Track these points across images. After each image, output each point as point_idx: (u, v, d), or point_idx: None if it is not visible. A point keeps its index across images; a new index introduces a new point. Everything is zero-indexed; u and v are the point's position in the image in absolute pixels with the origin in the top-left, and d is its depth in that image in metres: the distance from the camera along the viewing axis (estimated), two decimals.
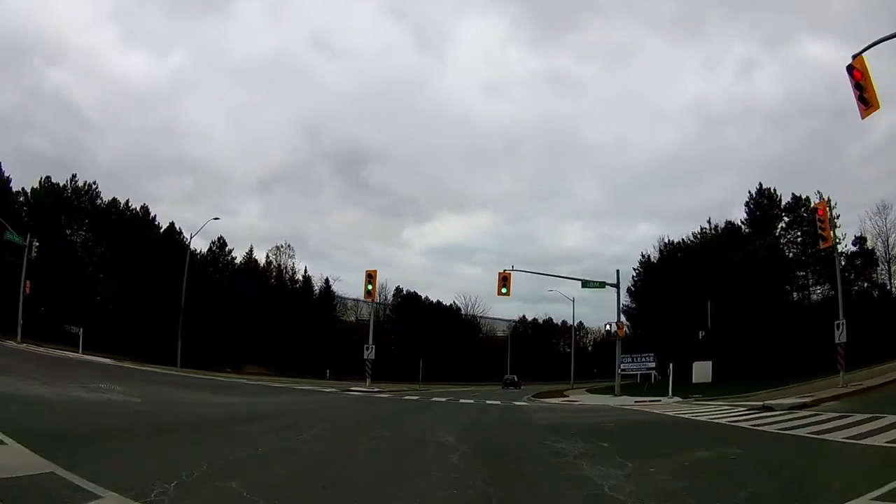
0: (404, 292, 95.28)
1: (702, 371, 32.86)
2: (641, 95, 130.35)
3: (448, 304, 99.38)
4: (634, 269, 60.40)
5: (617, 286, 32.86)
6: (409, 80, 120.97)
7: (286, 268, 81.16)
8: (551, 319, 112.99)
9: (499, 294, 30.69)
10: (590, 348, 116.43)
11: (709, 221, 52.91)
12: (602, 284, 32.67)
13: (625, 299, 62.93)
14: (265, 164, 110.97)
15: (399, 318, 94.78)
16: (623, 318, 32.11)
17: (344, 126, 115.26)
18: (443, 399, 26.36)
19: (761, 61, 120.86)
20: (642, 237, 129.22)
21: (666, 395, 27.61)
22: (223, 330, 62.60)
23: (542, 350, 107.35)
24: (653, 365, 38.00)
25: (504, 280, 30.90)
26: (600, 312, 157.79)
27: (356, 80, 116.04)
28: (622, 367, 36.99)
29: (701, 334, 37.22)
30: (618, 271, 34.83)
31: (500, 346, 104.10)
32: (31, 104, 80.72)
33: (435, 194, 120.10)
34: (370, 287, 32.58)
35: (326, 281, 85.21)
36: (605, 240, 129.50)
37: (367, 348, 32.29)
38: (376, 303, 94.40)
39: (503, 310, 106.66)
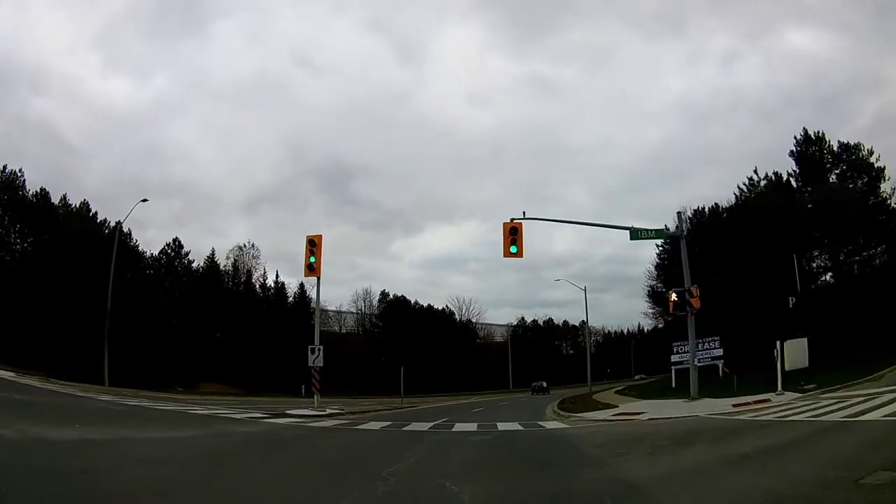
0: (391, 297, 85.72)
1: (796, 352, 23.67)
2: (625, 95, 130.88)
3: (440, 308, 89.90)
4: (659, 246, 51.44)
5: (680, 234, 23.35)
6: (391, 93, 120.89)
7: (252, 272, 71.02)
8: (552, 320, 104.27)
9: (506, 255, 21.10)
10: (593, 349, 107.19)
11: (755, 172, 44.49)
12: (659, 234, 23.09)
13: (653, 279, 54.40)
14: (252, 184, 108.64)
15: (386, 327, 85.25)
16: (672, 294, 22.39)
17: (328, 142, 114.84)
18: (425, 426, 16.69)
19: (743, 54, 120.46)
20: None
21: (772, 389, 18.47)
22: (175, 342, 52.61)
23: (545, 353, 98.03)
24: (719, 353, 29.13)
25: (513, 235, 21.40)
26: (597, 312, 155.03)
27: (339, 96, 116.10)
28: (679, 358, 28.12)
29: (791, 301, 28.31)
30: (679, 213, 25.21)
31: (499, 351, 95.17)
32: (16, 132, 76.99)
33: (423, 206, 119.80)
34: (313, 259, 22.90)
35: (301, 287, 75.36)
36: (595, 242, 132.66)
37: (313, 351, 23.05)
38: (362, 313, 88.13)
39: (497, 316, 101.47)
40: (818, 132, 40.58)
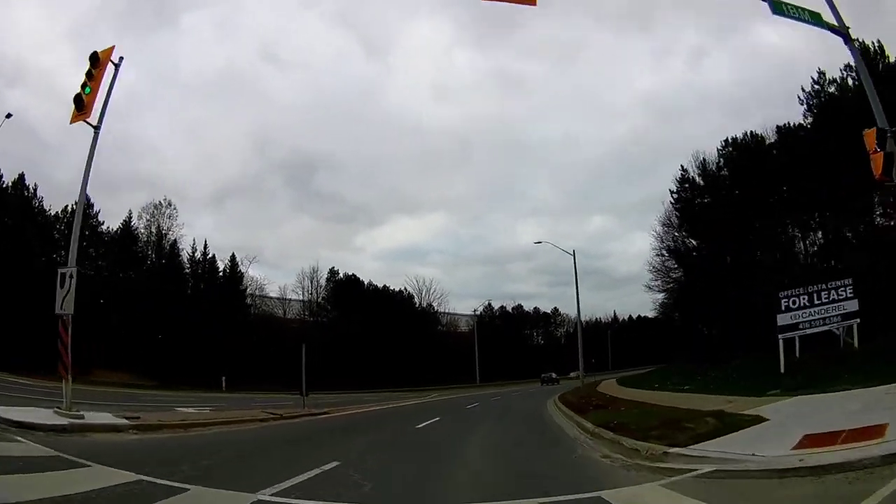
0: (340, 276, 75.83)
1: None
2: (591, 91, 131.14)
3: (397, 290, 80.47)
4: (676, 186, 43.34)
5: (844, 29, 13.11)
6: (357, 88, 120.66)
7: (166, 234, 59.93)
8: (521, 306, 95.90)
9: None
10: (563, 340, 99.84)
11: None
12: (815, 18, 12.74)
13: (662, 239, 46.21)
14: (218, 178, 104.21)
15: (335, 311, 75.50)
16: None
17: (294, 136, 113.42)
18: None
19: (712, 50, 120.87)
20: (597, 231, 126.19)
21: None
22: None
23: (515, 342, 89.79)
24: (853, 307, 18.00)
25: None
26: (564, 304, 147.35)
27: (305, 90, 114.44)
28: (792, 320, 17.90)
29: None
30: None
31: (464, 341, 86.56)
32: None
33: (387, 199, 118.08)
34: (88, 90, 11.81)
35: (233, 259, 64.86)
36: (560, 236, 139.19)
37: (62, 282, 11.76)
38: (311, 300, 78.59)
39: (462, 309, 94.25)
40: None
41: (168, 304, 53.83)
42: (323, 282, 75.51)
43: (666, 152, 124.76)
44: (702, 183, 40.99)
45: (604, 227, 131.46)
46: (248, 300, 67.51)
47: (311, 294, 75.78)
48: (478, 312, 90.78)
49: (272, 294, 73.05)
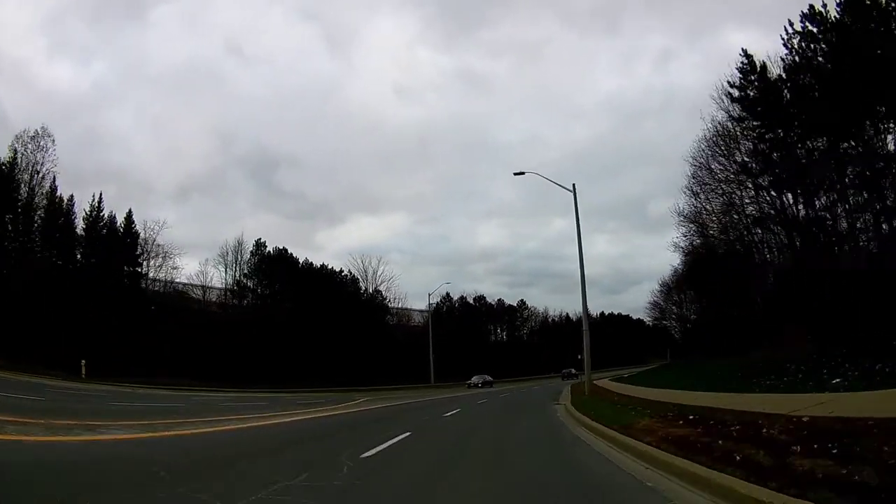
0: (268, 250, 62.47)
1: None
2: (555, 92, 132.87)
3: (338, 270, 67.47)
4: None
5: None
6: (320, 84, 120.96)
7: (38, 171, 45.60)
8: (484, 298, 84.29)
9: None
10: (535, 338, 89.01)
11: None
12: None
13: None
14: (182, 172, 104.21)
15: (263, 293, 62.22)
16: None
17: (257, 132, 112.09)
18: None
19: (680, 53, 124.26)
20: (557, 233, 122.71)
21: None
22: None
23: (477, 337, 78.16)
24: None
25: None
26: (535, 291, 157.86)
27: (268, 86, 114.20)
28: None
29: None
30: None
31: (417, 336, 74.50)
32: None
33: (348, 197, 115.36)
34: None
35: (129, 217, 50.90)
36: (521, 237, 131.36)
37: None
38: (236, 280, 64.52)
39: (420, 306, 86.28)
40: None
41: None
42: (248, 256, 61.77)
43: (628, 155, 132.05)
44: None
45: (564, 229, 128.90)
46: (146, 268, 53.62)
47: (235, 272, 62.15)
48: (433, 303, 78.93)
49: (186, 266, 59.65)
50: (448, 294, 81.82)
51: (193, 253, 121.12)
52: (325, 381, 52.06)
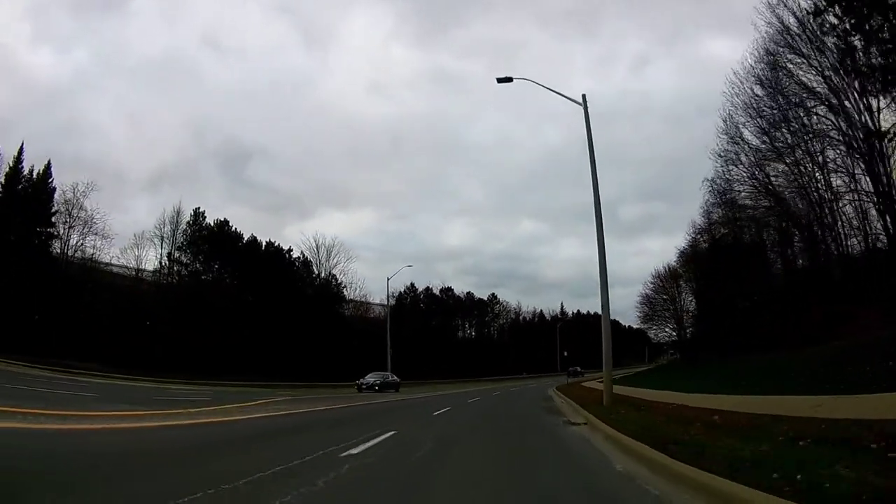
0: (208, 222, 54.01)
1: None
2: (529, 93, 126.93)
3: (286, 249, 59.13)
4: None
5: None
6: (294, 79, 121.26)
7: None
8: (451, 290, 77.09)
9: None
10: (505, 336, 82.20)
11: None
12: None
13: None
14: (156, 162, 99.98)
15: (200, 268, 53.72)
16: None
17: (231, 124, 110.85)
18: None
19: (657, 58, 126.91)
20: (526, 234, 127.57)
21: None
22: None
23: (441, 335, 70.85)
24: None
25: None
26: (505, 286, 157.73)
27: (243, 79, 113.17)
28: None
29: None
30: None
31: (376, 330, 66.64)
32: None
33: (318, 192, 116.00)
34: None
35: (47, 169, 42.21)
36: (488, 237, 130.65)
37: None
38: (171, 255, 55.09)
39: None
40: None
41: None
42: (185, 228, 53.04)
43: (598, 159, 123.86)
44: None
45: (534, 231, 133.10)
46: (65, 234, 45.07)
47: (171, 248, 53.36)
48: (395, 292, 71.26)
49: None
50: (413, 285, 74.47)
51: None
52: (267, 374, 44.77)
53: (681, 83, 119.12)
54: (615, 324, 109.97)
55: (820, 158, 27.90)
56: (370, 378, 40.47)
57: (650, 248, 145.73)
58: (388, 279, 56.51)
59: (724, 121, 33.81)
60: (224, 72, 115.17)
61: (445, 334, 73.07)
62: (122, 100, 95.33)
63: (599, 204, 16.92)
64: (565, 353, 49.28)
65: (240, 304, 53.53)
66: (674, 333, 61.24)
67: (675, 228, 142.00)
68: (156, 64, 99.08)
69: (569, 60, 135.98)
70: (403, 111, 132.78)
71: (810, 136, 27.59)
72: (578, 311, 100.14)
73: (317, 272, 60.54)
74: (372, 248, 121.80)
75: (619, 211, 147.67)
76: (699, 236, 46.86)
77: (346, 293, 62.74)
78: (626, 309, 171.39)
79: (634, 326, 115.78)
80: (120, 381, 30.56)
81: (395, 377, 44.87)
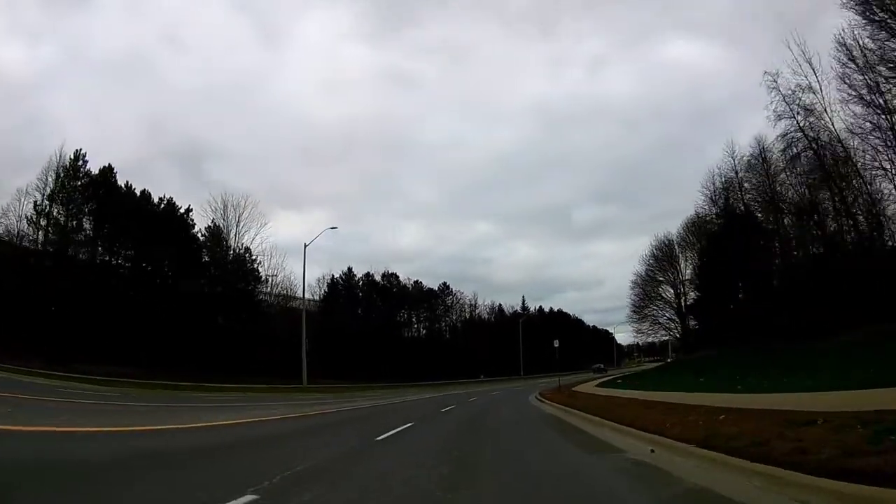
0: (89, 168, 40.58)
1: None
2: (481, 94, 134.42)
3: (182, 208, 45.53)
4: None
5: None
6: (251, 76, 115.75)
7: None
8: (396, 276, 65.11)
9: None
10: (447, 335, 70.92)
11: None
12: None
13: None
14: (113, 159, 69.14)
15: (73, 224, 40.17)
16: None
17: (187, 122, 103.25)
18: None
19: (614, 61, 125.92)
20: (478, 236, 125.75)
21: None
22: None
23: (383, 329, 58.81)
24: None
25: None
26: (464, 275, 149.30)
27: (199, 76, 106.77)
28: None
29: None
30: None
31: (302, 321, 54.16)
32: None
33: (271, 192, 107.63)
34: None
35: None
36: (440, 239, 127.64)
37: None
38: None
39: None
40: None
41: None
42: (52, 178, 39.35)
43: (551, 161, 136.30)
44: None
45: (486, 233, 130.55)
46: None
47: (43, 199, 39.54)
48: (327, 276, 58.59)
49: None
50: (350, 270, 61.80)
51: None
52: (172, 368, 33.92)
53: (637, 86, 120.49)
54: (578, 323, 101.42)
55: None
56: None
57: (603, 251, 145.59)
58: (305, 245, 43.64)
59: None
60: (182, 68, 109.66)
61: (389, 330, 60.87)
62: (85, 96, 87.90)
63: None
64: (556, 343, 38.09)
65: (117, 272, 40.20)
66: (672, 323, 51.62)
67: (629, 232, 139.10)
68: (117, 58, 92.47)
69: (524, 61, 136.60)
70: (356, 111, 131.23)
71: None
72: (541, 307, 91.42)
73: (228, 244, 47.08)
74: (323, 250, 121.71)
75: (572, 214, 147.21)
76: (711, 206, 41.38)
77: (261, 272, 49.12)
78: (583, 311, 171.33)
79: (600, 326, 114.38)
80: None
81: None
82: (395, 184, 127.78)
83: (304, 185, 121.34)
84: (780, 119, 30.40)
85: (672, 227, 67.09)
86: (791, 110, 29.95)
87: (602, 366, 71.21)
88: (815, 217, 31.23)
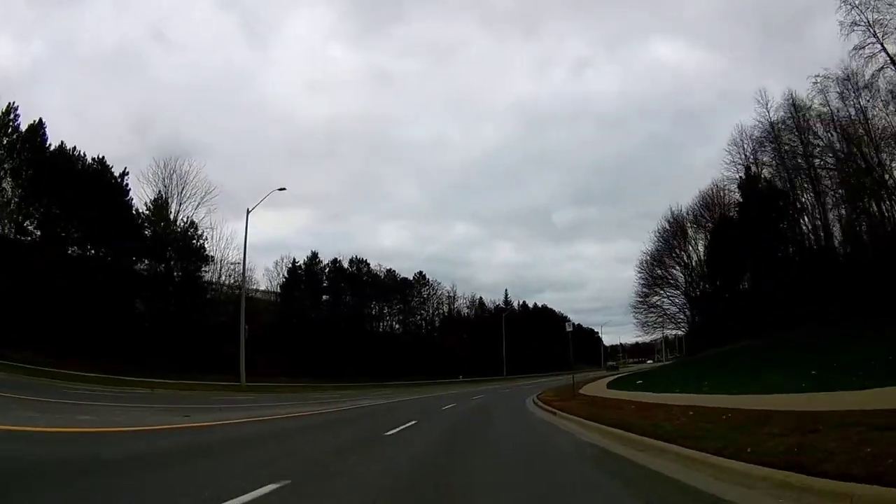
0: (18, 123, 33.77)
1: None
2: (465, 94, 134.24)
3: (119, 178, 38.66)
4: None
5: None
6: (236, 73, 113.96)
7: None
8: (367, 263, 59.10)
9: None
10: (423, 330, 65.30)
11: None
12: None
13: None
14: (99, 156, 57.88)
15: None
16: None
17: (170, 120, 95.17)
18: None
19: (598, 62, 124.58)
20: (460, 237, 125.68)
21: None
22: None
23: (353, 322, 52.90)
24: None
25: None
26: (444, 266, 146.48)
27: (184, 73, 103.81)
28: None
29: None
30: None
31: (258, 312, 47.84)
32: None
33: (254, 190, 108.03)
34: None
35: None
36: (422, 239, 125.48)
37: None
38: None
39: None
40: None
41: None
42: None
43: (534, 162, 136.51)
44: None
45: (468, 233, 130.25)
46: None
47: None
48: (289, 259, 52.22)
49: None
50: (314, 254, 55.48)
51: None
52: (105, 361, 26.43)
53: (621, 87, 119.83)
54: (564, 321, 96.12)
55: None
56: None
57: (586, 253, 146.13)
58: (248, 210, 36.34)
59: None
60: (169, 65, 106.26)
61: (359, 322, 54.78)
62: (72, 92, 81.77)
63: None
64: (568, 328, 32.36)
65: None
66: (682, 314, 47.03)
67: (611, 234, 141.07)
68: (105, 55, 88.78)
69: (508, 61, 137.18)
70: (340, 109, 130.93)
71: None
72: (524, 302, 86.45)
73: (171, 215, 40.40)
74: (306, 249, 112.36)
75: (553, 216, 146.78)
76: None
77: (208, 251, 42.23)
78: (566, 312, 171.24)
79: (584, 326, 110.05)
80: None
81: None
82: (377, 183, 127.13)
83: (287, 184, 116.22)
84: (853, 28, 25.61)
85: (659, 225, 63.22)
86: (866, 19, 25.52)
87: (614, 363, 74.95)
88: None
